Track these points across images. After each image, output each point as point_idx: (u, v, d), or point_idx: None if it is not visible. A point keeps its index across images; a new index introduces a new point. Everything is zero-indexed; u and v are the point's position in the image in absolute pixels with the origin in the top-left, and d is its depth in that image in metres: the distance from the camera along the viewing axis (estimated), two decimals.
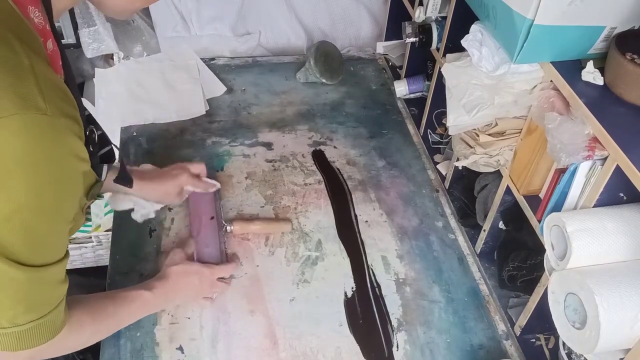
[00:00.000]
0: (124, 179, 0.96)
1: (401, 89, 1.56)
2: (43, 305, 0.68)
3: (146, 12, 1.60)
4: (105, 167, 0.81)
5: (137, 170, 1.13)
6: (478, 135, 1.06)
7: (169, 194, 1.14)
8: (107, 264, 1.11)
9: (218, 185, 1.20)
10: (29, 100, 0.57)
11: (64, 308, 0.73)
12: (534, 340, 1.05)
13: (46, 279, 0.67)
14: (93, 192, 0.75)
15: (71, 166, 0.63)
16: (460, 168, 1.18)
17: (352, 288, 1.10)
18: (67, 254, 0.70)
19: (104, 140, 0.90)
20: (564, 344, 0.91)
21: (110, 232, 1.19)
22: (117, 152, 0.97)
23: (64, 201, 0.65)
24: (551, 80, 0.89)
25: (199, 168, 1.18)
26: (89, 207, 0.84)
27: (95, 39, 1.52)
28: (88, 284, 1.67)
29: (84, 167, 0.66)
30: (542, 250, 0.89)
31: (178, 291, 0.99)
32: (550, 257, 0.85)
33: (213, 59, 1.67)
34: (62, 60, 0.68)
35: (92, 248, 1.63)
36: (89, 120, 0.78)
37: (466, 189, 1.27)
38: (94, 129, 0.76)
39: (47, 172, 0.60)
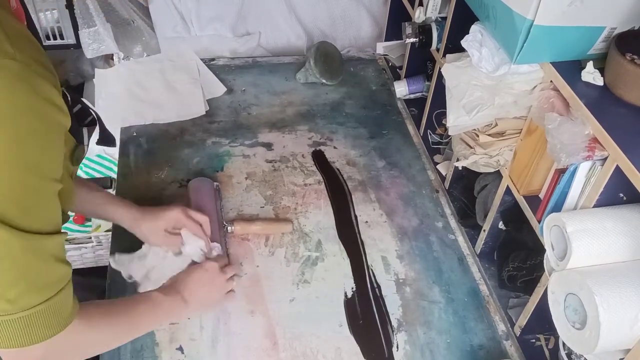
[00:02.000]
0: (106, 139, 0.92)
1: (401, 89, 1.56)
2: (45, 286, 0.65)
3: (146, 13, 1.60)
4: (85, 131, 0.79)
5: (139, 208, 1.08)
6: (478, 136, 1.06)
7: (158, 230, 1.04)
8: (107, 264, 1.10)
9: (218, 249, 1.08)
10: None
11: (73, 297, 0.70)
12: (534, 340, 1.05)
13: (42, 250, 0.64)
14: (76, 156, 0.73)
15: (49, 115, 0.59)
16: (460, 168, 1.18)
17: (352, 288, 1.10)
18: (64, 232, 0.67)
19: (85, 110, 0.85)
20: (564, 344, 0.91)
21: (110, 232, 1.19)
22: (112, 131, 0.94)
23: (46, 153, 0.61)
24: (551, 81, 0.89)
25: (202, 218, 1.07)
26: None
27: (95, 40, 1.52)
28: (88, 284, 1.67)
29: (64, 119, 0.62)
30: (542, 250, 0.89)
31: (191, 289, 0.95)
32: (550, 258, 0.85)
33: (213, 59, 1.67)
34: (27, 21, 0.66)
35: (92, 248, 1.63)
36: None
37: (466, 189, 1.27)
38: (65, 91, 0.72)
39: (25, 121, 0.57)
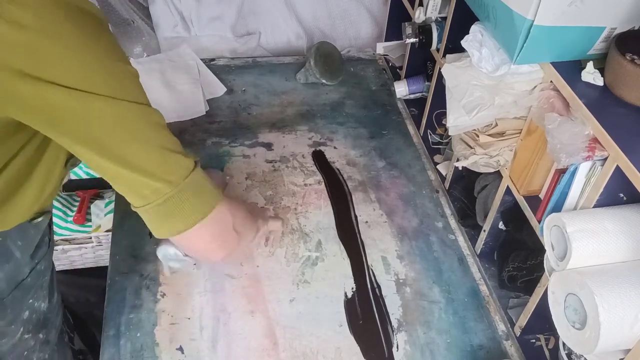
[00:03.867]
0: None
1: (401, 89, 1.56)
2: (183, 151, 0.70)
3: (146, 13, 1.60)
4: None
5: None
6: (478, 136, 1.06)
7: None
8: (107, 264, 1.11)
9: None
10: None
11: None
12: (534, 340, 1.05)
13: (160, 117, 0.69)
14: (72, 162, 0.78)
15: (94, 9, 0.63)
16: (460, 168, 1.18)
17: (352, 288, 1.10)
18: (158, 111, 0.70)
19: None
20: (564, 344, 0.91)
21: (110, 233, 1.19)
22: None
23: (111, 40, 0.64)
24: (551, 81, 0.89)
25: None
26: None
27: None
28: (88, 284, 1.68)
29: (103, 15, 0.65)
30: (542, 250, 0.89)
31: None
32: (550, 258, 0.85)
33: (213, 59, 1.67)
34: None
35: (92, 248, 1.63)
36: None
37: (466, 189, 1.27)
38: None
39: (83, 20, 0.60)
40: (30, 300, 0.92)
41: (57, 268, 1.68)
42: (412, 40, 1.38)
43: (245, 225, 0.88)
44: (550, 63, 0.88)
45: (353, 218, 1.24)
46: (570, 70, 0.86)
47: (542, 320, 0.99)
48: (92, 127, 0.63)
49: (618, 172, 0.75)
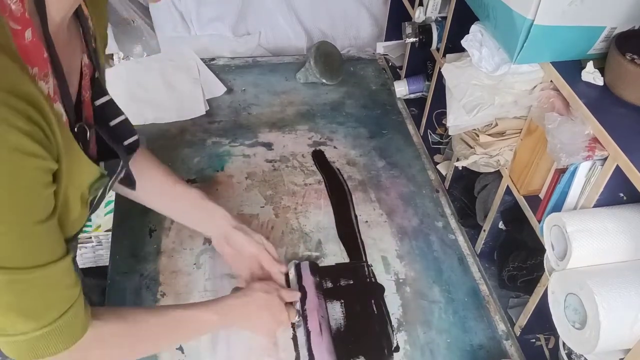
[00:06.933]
0: (127, 180, 0.86)
1: (401, 89, 1.56)
2: (46, 311, 0.63)
3: (146, 13, 1.60)
4: (120, 161, 0.74)
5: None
6: (478, 136, 1.06)
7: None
8: (107, 264, 1.11)
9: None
10: None
11: (83, 315, 0.68)
12: (534, 340, 1.05)
13: (39, 281, 0.61)
14: (97, 185, 0.70)
15: (15, 163, 0.54)
16: (460, 168, 1.18)
17: None
18: (65, 256, 0.64)
19: (126, 130, 0.83)
20: (564, 344, 0.91)
21: (110, 232, 1.19)
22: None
23: (17, 202, 0.56)
24: (551, 81, 0.89)
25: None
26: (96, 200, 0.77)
27: None
28: (88, 284, 1.67)
29: (38, 163, 0.57)
30: (542, 250, 0.89)
31: (237, 313, 0.93)
32: (550, 257, 0.85)
33: (213, 59, 1.67)
34: (49, 52, 0.60)
35: (92, 248, 1.63)
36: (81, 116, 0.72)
37: (466, 189, 1.27)
38: (85, 127, 0.68)
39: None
40: None
41: None
42: (412, 39, 1.38)
43: None
44: (550, 63, 0.88)
45: (353, 218, 1.24)
46: (570, 70, 0.86)
47: (542, 320, 0.98)
48: None
49: (618, 172, 0.75)
